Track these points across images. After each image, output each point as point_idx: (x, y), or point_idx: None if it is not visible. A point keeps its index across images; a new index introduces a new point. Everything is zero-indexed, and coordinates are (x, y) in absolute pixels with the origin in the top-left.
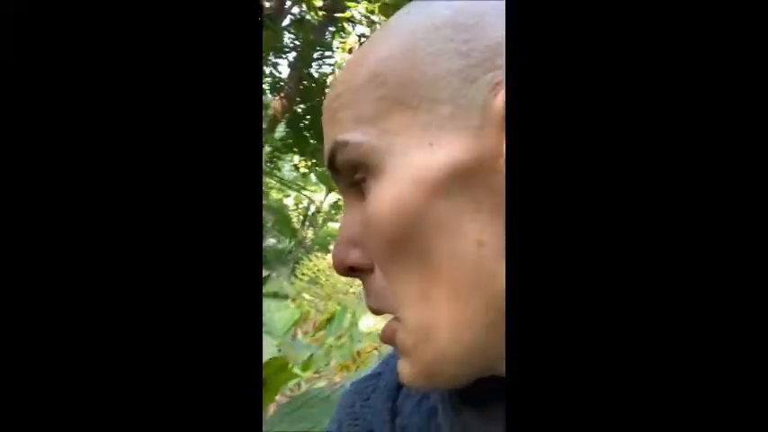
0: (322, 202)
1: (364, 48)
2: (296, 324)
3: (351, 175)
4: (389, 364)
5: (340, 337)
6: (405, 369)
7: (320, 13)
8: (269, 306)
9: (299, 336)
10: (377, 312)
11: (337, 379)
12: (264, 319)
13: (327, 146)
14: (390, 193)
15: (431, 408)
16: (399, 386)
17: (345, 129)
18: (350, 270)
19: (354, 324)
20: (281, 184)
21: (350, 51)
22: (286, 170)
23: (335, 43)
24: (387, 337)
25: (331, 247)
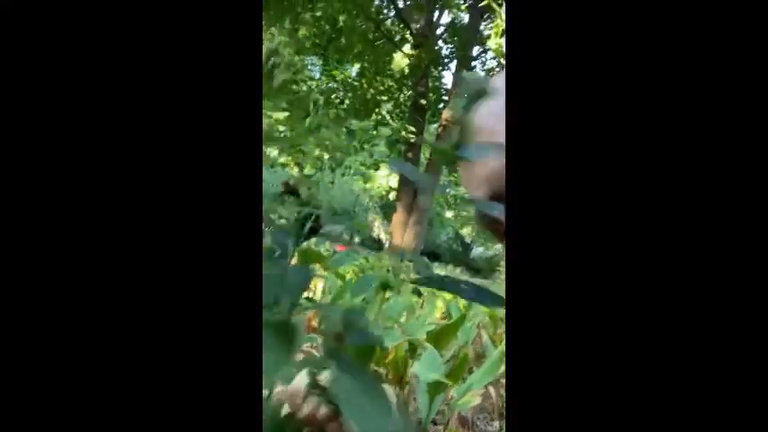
0: None
1: None
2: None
3: None
4: None
5: None
6: None
7: (463, 6)
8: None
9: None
10: None
11: None
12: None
13: None
14: None
15: None
16: None
17: None
18: None
19: None
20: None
21: (504, 34)
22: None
23: (488, 32)
24: None
25: None
